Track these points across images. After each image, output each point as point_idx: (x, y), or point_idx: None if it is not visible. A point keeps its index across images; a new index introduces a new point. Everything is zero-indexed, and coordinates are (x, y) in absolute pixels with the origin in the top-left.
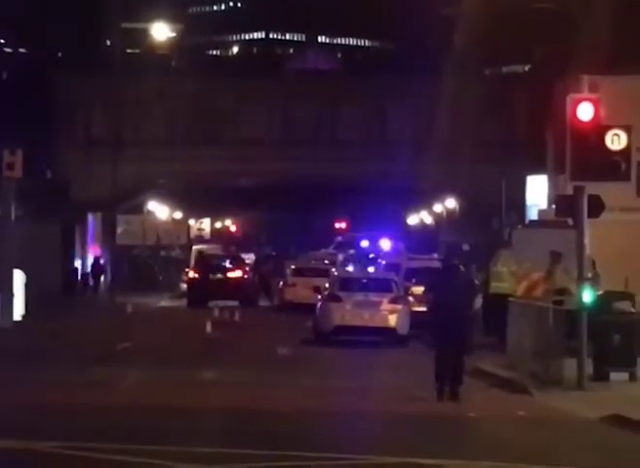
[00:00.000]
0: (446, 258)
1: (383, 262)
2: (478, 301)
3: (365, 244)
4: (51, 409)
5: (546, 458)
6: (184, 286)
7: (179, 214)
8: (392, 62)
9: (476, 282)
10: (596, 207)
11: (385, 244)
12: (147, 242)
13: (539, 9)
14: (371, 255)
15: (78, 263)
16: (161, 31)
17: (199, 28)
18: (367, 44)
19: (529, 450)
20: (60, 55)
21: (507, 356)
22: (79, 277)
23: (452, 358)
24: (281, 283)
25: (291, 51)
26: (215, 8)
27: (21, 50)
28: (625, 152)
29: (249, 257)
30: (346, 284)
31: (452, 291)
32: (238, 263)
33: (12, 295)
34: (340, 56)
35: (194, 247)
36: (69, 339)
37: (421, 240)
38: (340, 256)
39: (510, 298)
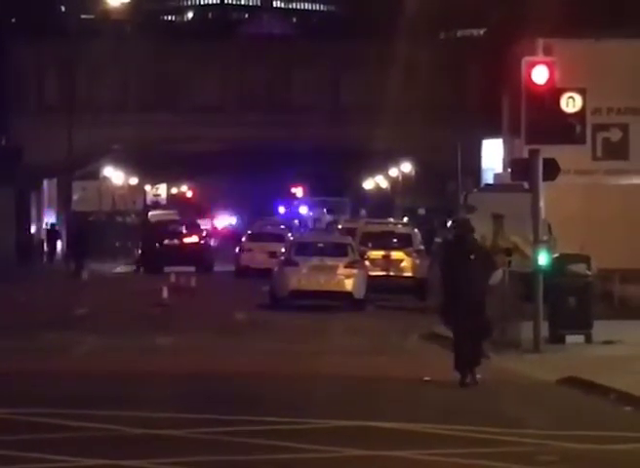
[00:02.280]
0: (459, 230)
1: (340, 226)
2: (498, 275)
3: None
4: (3, 376)
5: (503, 421)
6: (140, 252)
7: (134, 180)
8: (346, 27)
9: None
10: (552, 170)
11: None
12: (103, 208)
13: None
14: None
15: (33, 230)
16: None
17: None
18: (322, 8)
19: (485, 413)
20: (13, 20)
21: None
22: (34, 244)
23: (470, 340)
24: (237, 248)
25: (246, 16)
26: None
27: None
28: (580, 115)
29: (205, 223)
30: (302, 248)
31: (468, 266)
32: (194, 229)
33: None
34: (294, 20)
35: (150, 213)
36: (24, 306)
37: (378, 204)
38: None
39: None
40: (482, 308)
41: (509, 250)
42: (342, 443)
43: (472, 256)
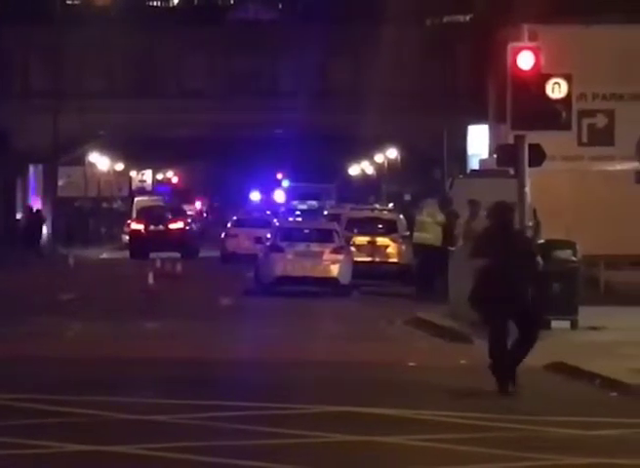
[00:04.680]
0: (500, 215)
1: (325, 212)
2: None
3: (256, 197)
4: None
5: (490, 406)
6: (126, 237)
7: (120, 166)
8: (333, 12)
9: None
10: (537, 156)
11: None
12: (89, 194)
13: None
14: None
15: (19, 216)
16: None
17: None
18: None
19: (472, 399)
20: None
21: (449, 306)
22: (20, 229)
23: (522, 337)
24: (223, 234)
25: (232, 1)
26: None
27: None
28: (566, 101)
29: (191, 209)
30: (288, 234)
31: (510, 254)
32: (179, 215)
33: None
34: (280, 6)
35: (136, 198)
36: (10, 291)
37: (363, 190)
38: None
39: (451, 248)
40: (527, 300)
41: None
42: (330, 428)
43: (515, 243)
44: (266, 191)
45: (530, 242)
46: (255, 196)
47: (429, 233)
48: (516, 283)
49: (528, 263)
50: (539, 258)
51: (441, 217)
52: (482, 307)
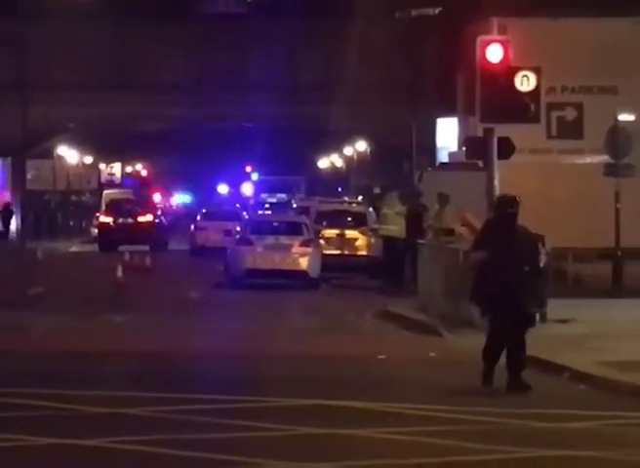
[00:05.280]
0: (502, 207)
1: (295, 205)
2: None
3: (223, 190)
4: None
5: (459, 399)
6: (95, 231)
7: (89, 159)
8: (302, 5)
9: None
10: (506, 149)
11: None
12: (58, 187)
13: None
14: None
15: None
16: None
17: None
18: None
19: (441, 391)
20: None
21: (419, 299)
22: None
23: (511, 333)
24: (192, 226)
25: None
26: None
27: None
28: (535, 94)
29: (160, 202)
30: (258, 227)
31: (512, 249)
32: (148, 208)
33: None
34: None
35: (105, 191)
36: None
37: (333, 183)
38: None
39: (420, 241)
40: (526, 297)
41: (452, 230)
42: (299, 421)
43: (517, 237)
44: (234, 184)
45: (534, 237)
46: (222, 189)
47: (393, 225)
48: (516, 278)
49: (530, 259)
50: (543, 255)
51: (400, 209)
52: (482, 304)
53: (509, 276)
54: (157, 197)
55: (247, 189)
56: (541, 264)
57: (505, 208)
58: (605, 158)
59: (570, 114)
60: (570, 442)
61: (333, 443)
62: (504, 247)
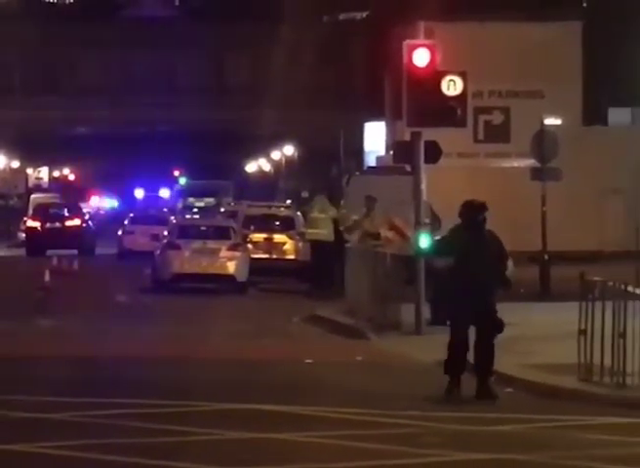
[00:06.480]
0: (471, 213)
1: (222, 209)
2: (511, 266)
3: (140, 194)
4: None
5: (383, 402)
6: (23, 235)
7: (16, 163)
8: (230, 9)
9: None
10: (433, 152)
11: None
12: None
13: None
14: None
15: None
16: None
17: None
18: None
19: (366, 395)
20: None
21: (347, 302)
22: None
23: (479, 340)
24: (120, 231)
25: None
26: None
27: None
28: (461, 98)
29: (87, 206)
30: (185, 231)
31: (479, 255)
32: (76, 212)
33: None
34: (177, 3)
35: (32, 196)
36: None
37: (260, 187)
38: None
39: (347, 245)
40: (493, 303)
41: (378, 234)
42: (225, 426)
43: (485, 243)
44: (152, 189)
45: (501, 244)
46: (139, 193)
47: (322, 229)
48: (484, 284)
49: (497, 265)
50: (510, 262)
51: (333, 212)
52: (447, 308)
53: (480, 280)
54: (94, 200)
55: (164, 193)
56: (510, 273)
57: (476, 214)
58: (531, 162)
59: (497, 118)
60: (493, 445)
61: (260, 447)
62: (472, 254)
